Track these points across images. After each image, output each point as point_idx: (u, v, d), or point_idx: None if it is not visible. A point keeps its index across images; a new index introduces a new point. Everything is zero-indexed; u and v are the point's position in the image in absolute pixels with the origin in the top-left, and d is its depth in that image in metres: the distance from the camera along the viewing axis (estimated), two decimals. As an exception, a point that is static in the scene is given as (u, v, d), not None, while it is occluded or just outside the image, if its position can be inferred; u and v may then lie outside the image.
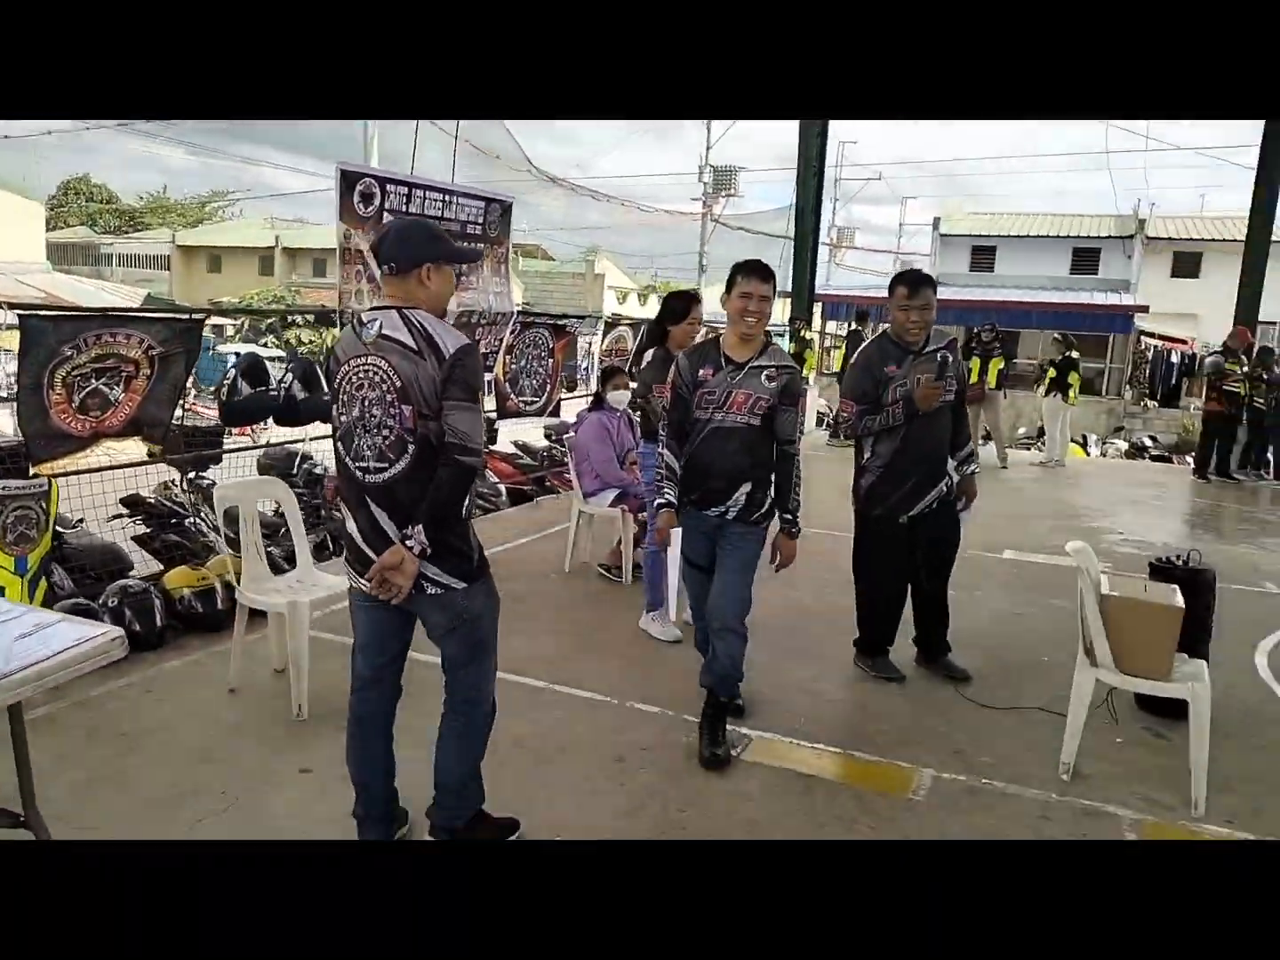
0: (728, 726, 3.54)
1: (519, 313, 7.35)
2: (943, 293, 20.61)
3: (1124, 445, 14.99)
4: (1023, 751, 3.68)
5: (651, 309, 36.85)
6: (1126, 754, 3.70)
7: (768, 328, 3.44)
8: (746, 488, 3.39)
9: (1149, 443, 15.04)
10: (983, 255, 26.29)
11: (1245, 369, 10.99)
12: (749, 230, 34.94)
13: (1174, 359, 22.55)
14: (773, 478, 3.44)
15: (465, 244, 2.72)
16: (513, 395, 7.75)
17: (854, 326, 14.77)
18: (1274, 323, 19.85)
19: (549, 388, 8.19)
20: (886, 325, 4.28)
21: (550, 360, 8.11)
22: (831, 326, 23.63)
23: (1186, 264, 25.45)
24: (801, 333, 13.93)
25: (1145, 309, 21.83)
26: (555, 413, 8.33)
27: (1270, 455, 11.40)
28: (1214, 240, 24.67)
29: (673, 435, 3.49)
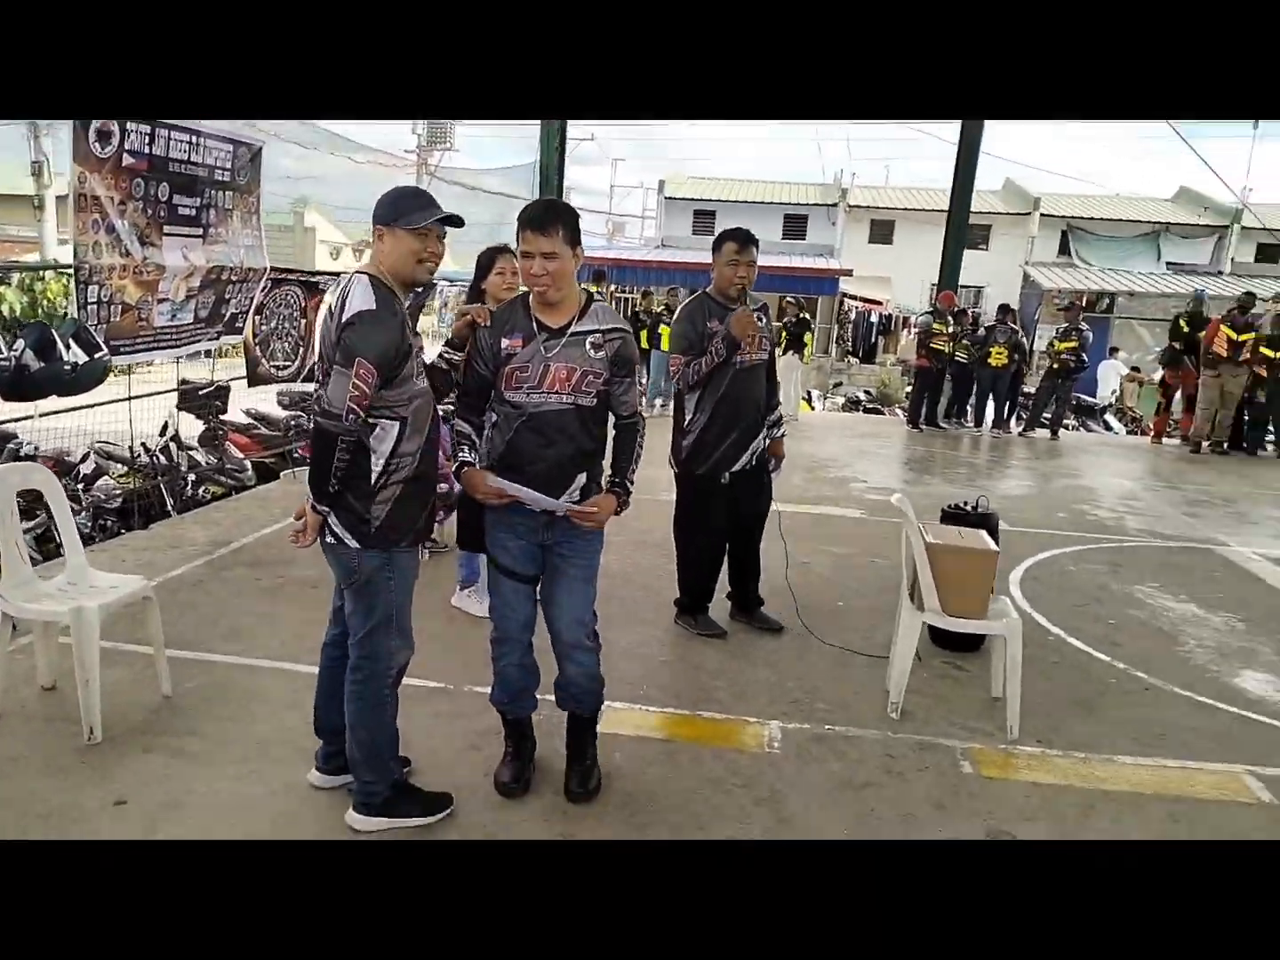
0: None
1: (270, 269, 6.69)
2: (669, 254, 21.38)
3: (841, 400, 16.29)
4: (852, 695, 3.88)
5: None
6: (937, 688, 4.00)
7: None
8: (580, 479, 2.84)
9: (863, 397, 16.44)
10: (704, 219, 27.37)
11: (951, 329, 12.23)
12: (465, 185, 34.17)
13: (873, 319, 24.74)
14: (604, 459, 2.94)
15: (400, 204, 2.57)
16: (264, 360, 7.09)
17: (594, 289, 14.94)
18: (968, 287, 22.33)
19: (303, 351, 7.57)
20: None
21: (303, 321, 7.49)
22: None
23: (882, 231, 27.90)
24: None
25: (850, 273, 23.71)
26: (310, 377, 7.72)
27: (970, 405, 12.81)
28: (907, 209, 27.20)
29: (466, 410, 2.90)
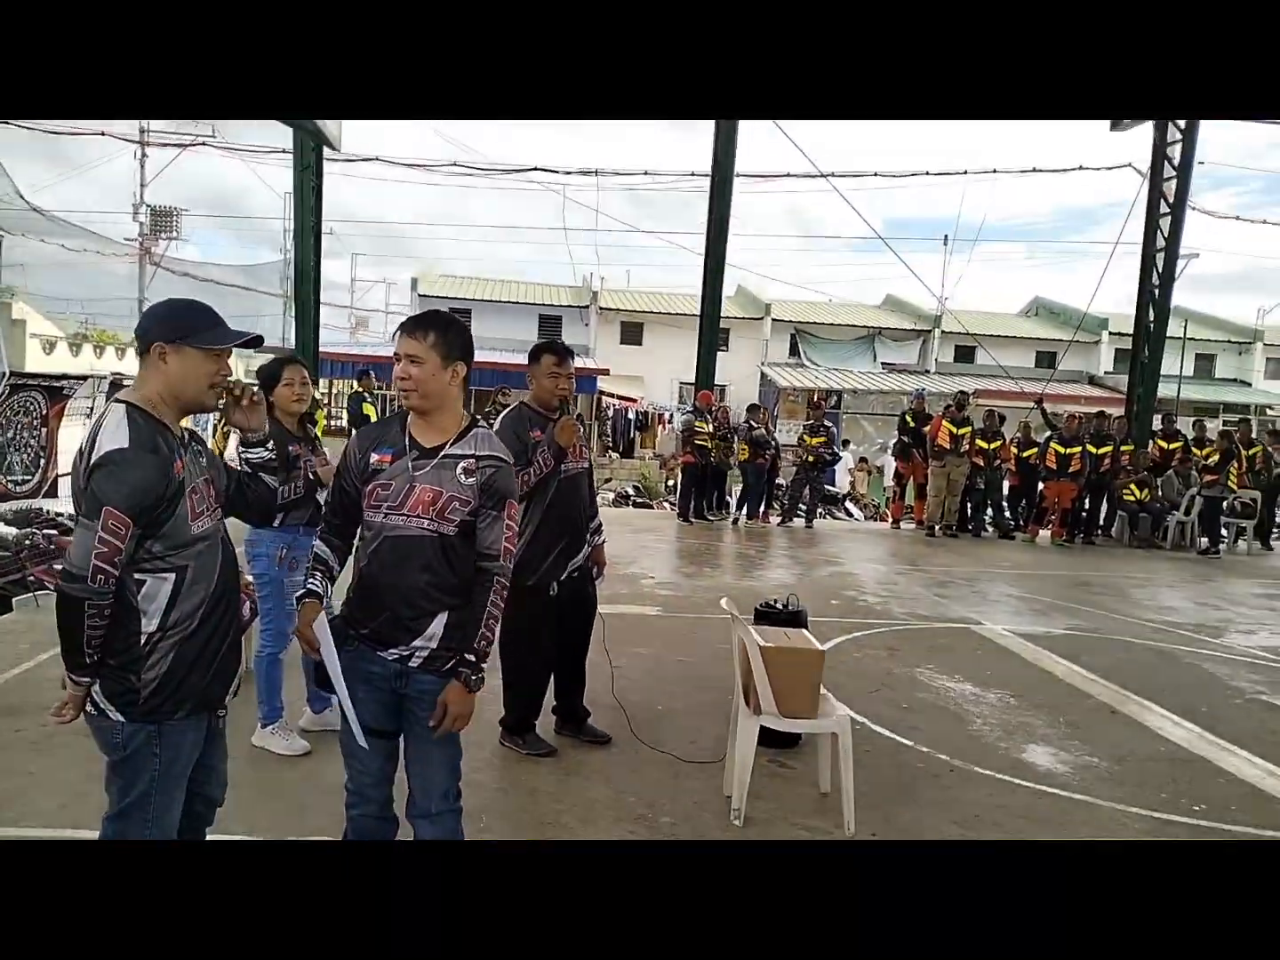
0: None
1: (10, 373, 5.99)
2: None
3: (611, 495, 16.67)
4: (691, 804, 3.88)
5: (86, 360, 32.24)
6: (768, 788, 4.07)
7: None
8: (440, 621, 2.56)
9: (631, 492, 16.89)
10: (459, 317, 27.49)
11: (711, 427, 12.90)
12: (196, 277, 32.61)
13: (630, 415, 25.67)
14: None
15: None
16: (0, 474, 6.28)
17: (357, 387, 14.68)
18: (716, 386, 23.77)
19: (44, 463, 6.78)
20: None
21: (44, 430, 6.73)
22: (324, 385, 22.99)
23: (632, 333, 29.22)
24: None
25: (606, 371, 24.56)
26: (53, 493, 6.91)
27: (730, 498, 13.52)
28: (655, 312, 28.66)
29: (329, 532, 2.70)
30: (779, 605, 4.68)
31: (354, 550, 2.71)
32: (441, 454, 2.58)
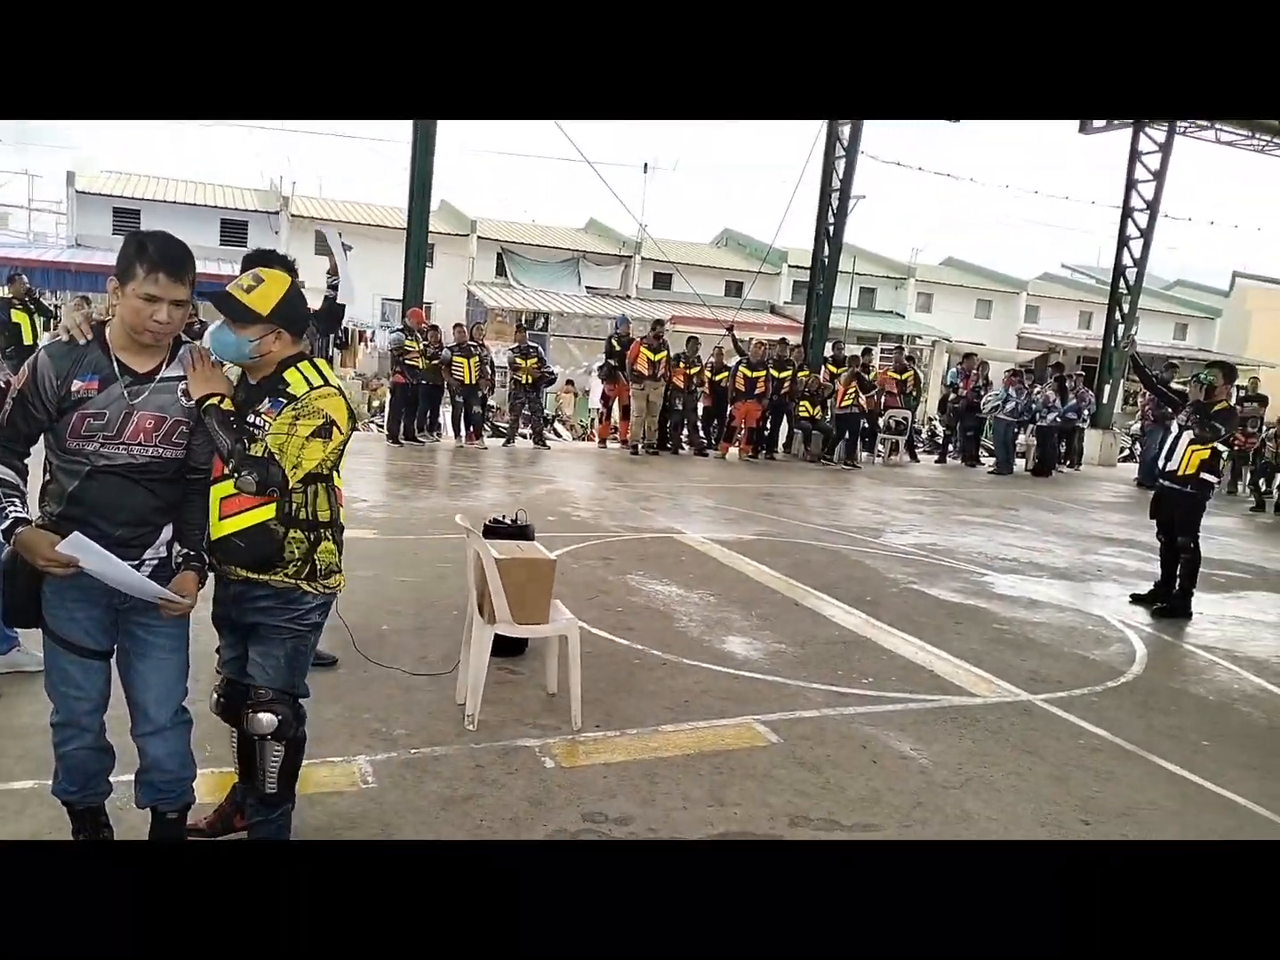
0: None
1: None
2: (89, 256, 19.15)
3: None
4: (426, 715, 3.98)
5: None
6: (499, 694, 4.26)
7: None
8: (165, 535, 2.55)
9: (333, 412, 16.18)
10: (127, 218, 24.59)
11: (422, 346, 12.66)
12: None
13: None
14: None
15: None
16: None
17: (4, 293, 12.95)
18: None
19: None
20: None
21: None
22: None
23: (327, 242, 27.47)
24: None
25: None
26: None
27: (442, 419, 13.43)
28: (355, 223, 27.11)
29: (12, 455, 2.45)
30: (507, 520, 4.83)
31: (48, 470, 2.52)
32: (158, 378, 2.49)
